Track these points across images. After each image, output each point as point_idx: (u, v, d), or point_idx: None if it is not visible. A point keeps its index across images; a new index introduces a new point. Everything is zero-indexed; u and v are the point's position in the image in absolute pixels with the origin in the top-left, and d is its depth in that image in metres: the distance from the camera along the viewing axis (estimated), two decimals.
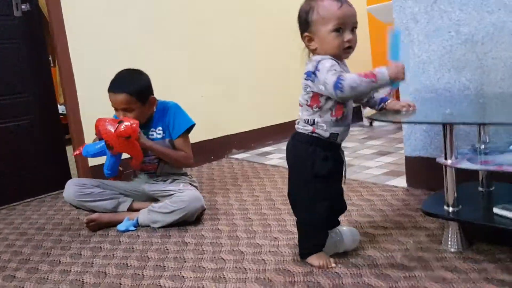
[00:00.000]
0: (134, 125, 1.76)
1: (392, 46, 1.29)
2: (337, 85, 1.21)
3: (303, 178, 1.35)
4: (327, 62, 1.26)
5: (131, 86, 1.84)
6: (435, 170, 1.53)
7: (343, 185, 1.42)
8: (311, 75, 1.28)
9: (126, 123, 1.75)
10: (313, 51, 1.33)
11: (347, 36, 1.28)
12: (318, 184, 1.33)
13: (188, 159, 1.98)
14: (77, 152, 1.92)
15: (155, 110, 1.96)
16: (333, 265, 1.35)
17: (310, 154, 1.32)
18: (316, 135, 1.32)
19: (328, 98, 1.29)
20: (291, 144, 1.39)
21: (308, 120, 1.33)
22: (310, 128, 1.33)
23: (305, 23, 1.31)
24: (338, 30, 1.27)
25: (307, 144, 1.33)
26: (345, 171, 1.41)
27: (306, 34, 1.32)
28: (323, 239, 1.37)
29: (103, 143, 1.81)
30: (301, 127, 1.35)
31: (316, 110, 1.31)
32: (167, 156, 1.94)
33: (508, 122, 1.27)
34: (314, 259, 1.36)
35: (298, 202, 1.40)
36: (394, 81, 1.21)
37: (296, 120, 1.39)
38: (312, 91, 1.30)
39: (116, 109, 1.87)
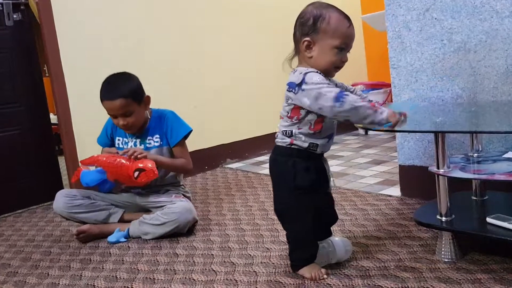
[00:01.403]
0: (154, 173, 1.71)
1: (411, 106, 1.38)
2: (340, 98, 1.18)
3: (286, 191, 1.32)
4: (315, 76, 1.23)
5: (125, 89, 1.80)
6: (429, 179, 1.51)
7: (332, 193, 1.39)
8: (295, 87, 1.24)
9: (146, 172, 1.69)
10: (306, 59, 1.29)
11: (345, 57, 1.29)
12: (301, 196, 1.30)
13: (188, 165, 1.95)
14: (76, 178, 1.83)
15: (149, 117, 1.94)
16: (325, 276, 1.32)
17: (291, 167, 1.29)
18: (295, 146, 1.30)
19: (309, 112, 1.26)
20: (272, 159, 1.37)
21: (286, 131, 1.30)
22: (288, 140, 1.30)
23: (311, 28, 1.26)
24: (341, 48, 1.26)
25: (286, 156, 1.31)
26: (332, 180, 1.38)
27: (307, 39, 1.27)
28: (313, 251, 1.35)
29: (104, 175, 1.78)
30: (279, 140, 1.33)
31: (295, 121, 1.28)
32: (170, 166, 1.91)
33: (499, 130, 1.25)
34: (305, 271, 1.34)
35: (284, 216, 1.37)
36: (387, 122, 1.19)
37: (276, 133, 1.36)
38: (293, 103, 1.27)
39: (114, 117, 1.83)
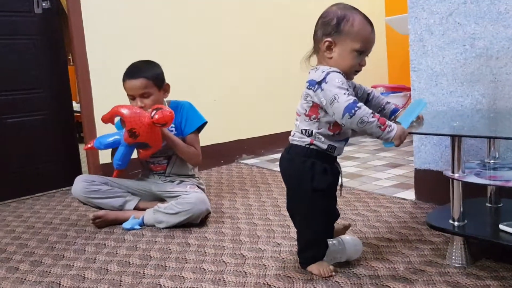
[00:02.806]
0: (171, 113, 1.72)
1: (409, 110, 1.32)
2: (351, 109, 1.18)
3: (302, 193, 1.32)
4: (338, 77, 1.23)
5: (148, 72, 1.87)
6: (444, 184, 1.50)
7: (339, 197, 1.40)
8: (315, 84, 1.25)
9: (163, 110, 1.70)
10: (325, 59, 1.30)
11: (363, 61, 1.30)
12: (318, 198, 1.30)
13: (198, 156, 1.98)
14: (89, 145, 1.85)
15: (167, 106, 1.97)
16: (334, 273, 1.34)
17: (309, 168, 1.29)
18: (314, 147, 1.29)
19: (327, 113, 1.26)
20: (287, 158, 1.35)
21: (306, 130, 1.30)
22: (307, 139, 1.30)
23: (334, 28, 1.26)
24: (361, 52, 1.27)
25: (305, 157, 1.30)
26: (341, 183, 1.39)
27: (329, 39, 1.27)
28: (323, 250, 1.35)
29: (118, 133, 1.80)
30: (297, 139, 1.32)
31: (314, 120, 1.28)
32: (179, 147, 1.92)
33: None
34: (314, 268, 1.35)
35: (297, 216, 1.38)
36: (391, 141, 1.21)
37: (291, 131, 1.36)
38: (312, 101, 1.27)
39: (132, 97, 1.88)
